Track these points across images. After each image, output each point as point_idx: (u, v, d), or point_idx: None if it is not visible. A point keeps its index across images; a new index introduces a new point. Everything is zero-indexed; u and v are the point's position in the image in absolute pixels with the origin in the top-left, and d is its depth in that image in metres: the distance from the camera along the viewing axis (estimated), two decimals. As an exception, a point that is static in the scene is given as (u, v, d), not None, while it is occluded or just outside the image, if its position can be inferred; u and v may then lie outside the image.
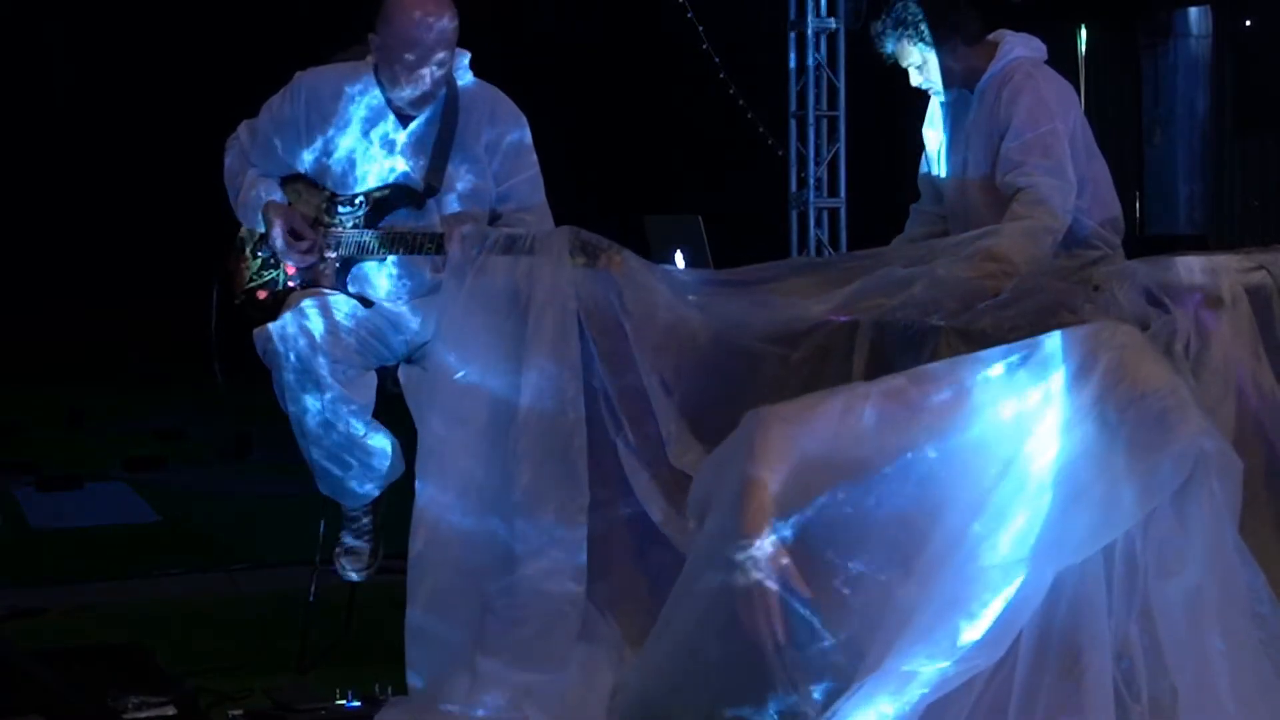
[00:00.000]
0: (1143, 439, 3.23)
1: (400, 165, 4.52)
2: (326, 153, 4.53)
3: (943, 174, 4.92)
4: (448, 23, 4.41)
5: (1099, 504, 3.24)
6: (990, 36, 4.82)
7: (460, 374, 3.99)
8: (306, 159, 4.55)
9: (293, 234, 4.48)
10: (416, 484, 4.05)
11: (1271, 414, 3.99)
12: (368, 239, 4.50)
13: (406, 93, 4.45)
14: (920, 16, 4.74)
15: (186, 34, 10.59)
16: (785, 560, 3.25)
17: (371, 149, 4.52)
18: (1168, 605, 3.28)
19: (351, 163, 4.52)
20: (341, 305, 4.47)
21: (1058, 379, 3.31)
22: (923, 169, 5.05)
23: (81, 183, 10.67)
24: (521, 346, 3.94)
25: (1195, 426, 3.25)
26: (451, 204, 4.54)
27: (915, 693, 3.19)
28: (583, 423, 3.90)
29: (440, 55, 4.41)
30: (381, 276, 4.56)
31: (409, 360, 4.59)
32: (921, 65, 4.80)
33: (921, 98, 5.00)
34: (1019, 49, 4.77)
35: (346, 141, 4.51)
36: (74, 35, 10.75)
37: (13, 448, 8.21)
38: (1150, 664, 3.28)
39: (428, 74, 4.41)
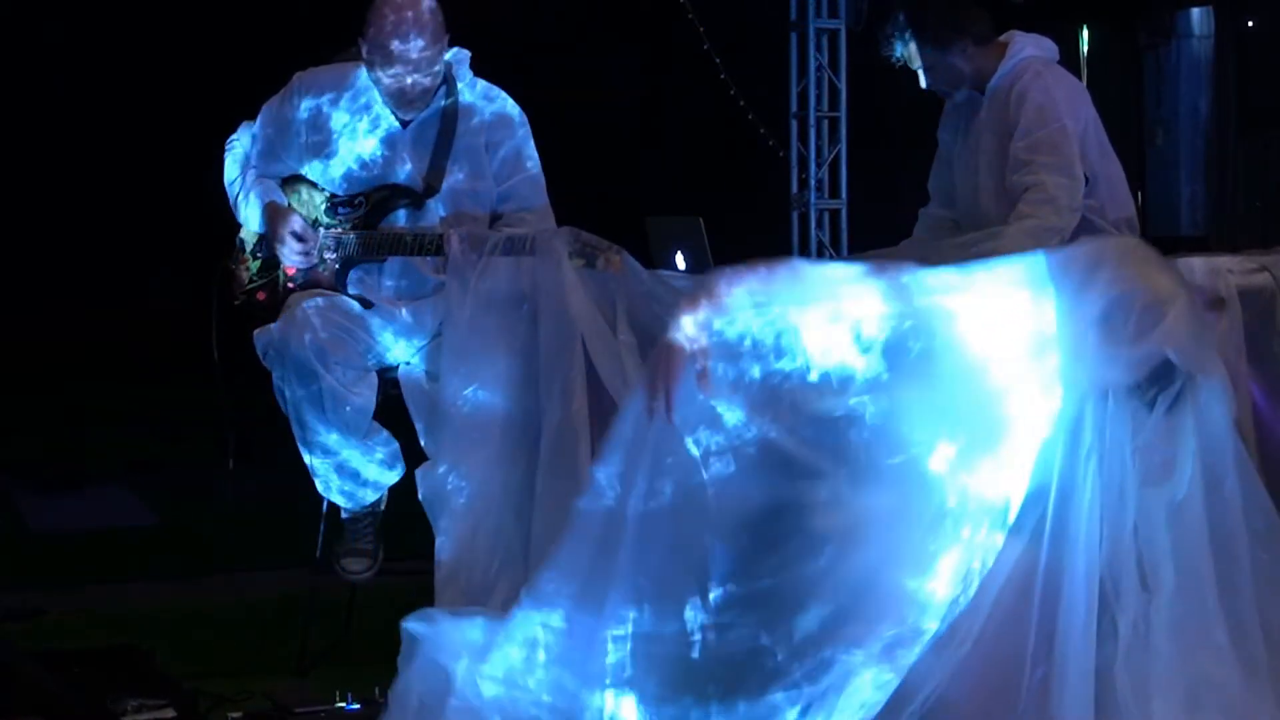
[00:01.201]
0: (1118, 325, 3.25)
1: (381, 152, 4.50)
2: (320, 117, 4.51)
3: (955, 176, 4.89)
4: (431, 30, 4.37)
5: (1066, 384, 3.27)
6: (1000, 37, 4.80)
7: (469, 389, 3.97)
8: (303, 110, 4.52)
9: (292, 235, 4.47)
10: (425, 505, 4.02)
11: (1244, 409, 4.04)
12: (367, 240, 4.48)
13: (396, 95, 4.43)
14: (927, 19, 4.73)
15: (186, 34, 10.57)
16: (705, 347, 3.24)
17: (361, 131, 4.50)
18: (1151, 515, 3.31)
19: (338, 138, 4.50)
20: (341, 306, 4.46)
21: (1053, 287, 3.31)
22: (934, 171, 5.02)
23: (81, 183, 10.65)
24: (529, 353, 3.92)
25: (1175, 331, 3.25)
26: (451, 205, 4.53)
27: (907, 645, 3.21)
28: (588, 433, 3.86)
29: (426, 67, 4.38)
30: (381, 278, 4.54)
31: (409, 362, 4.57)
32: (930, 68, 4.79)
33: (923, 98, 4.98)
34: (1029, 49, 4.75)
35: (340, 117, 4.51)
36: (74, 35, 10.72)
37: (12, 448, 8.20)
38: (1138, 577, 3.31)
39: (416, 82, 4.39)
